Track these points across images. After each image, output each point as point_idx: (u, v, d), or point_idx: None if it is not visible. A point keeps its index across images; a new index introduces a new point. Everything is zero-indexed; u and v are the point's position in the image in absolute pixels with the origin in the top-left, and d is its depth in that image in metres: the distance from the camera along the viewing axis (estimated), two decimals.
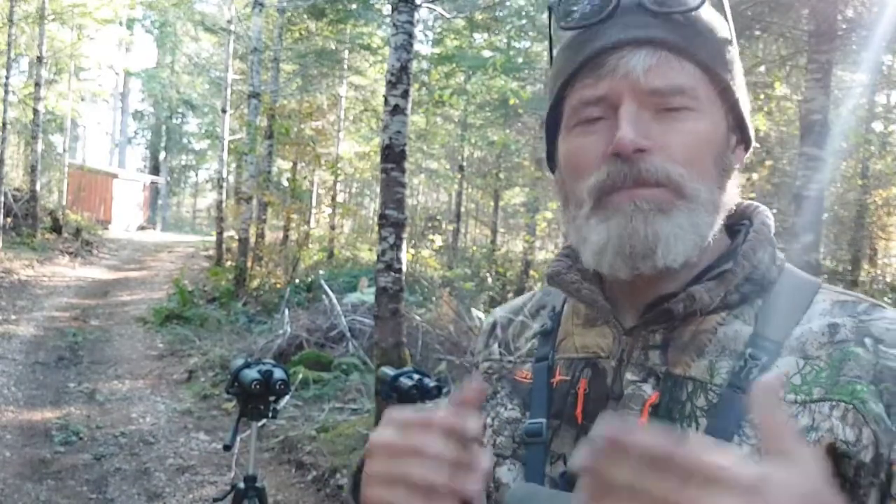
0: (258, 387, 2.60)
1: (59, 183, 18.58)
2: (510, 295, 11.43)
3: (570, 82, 0.71)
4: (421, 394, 2.34)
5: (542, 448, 0.73)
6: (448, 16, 9.82)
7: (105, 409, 5.94)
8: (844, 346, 0.66)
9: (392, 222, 4.97)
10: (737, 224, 0.76)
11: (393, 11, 5.08)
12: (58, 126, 19.97)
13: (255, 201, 12.14)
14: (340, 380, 6.38)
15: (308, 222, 13.83)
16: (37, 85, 14.25)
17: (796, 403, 0.64)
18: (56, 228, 15.67)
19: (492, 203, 16.92)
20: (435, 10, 7.13)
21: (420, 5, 5.34)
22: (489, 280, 12.28)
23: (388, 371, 2.54)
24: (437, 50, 14.69)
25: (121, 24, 22.99)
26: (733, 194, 0.73)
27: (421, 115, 15.58)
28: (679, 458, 0.41)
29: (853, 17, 5.63)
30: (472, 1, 11.16)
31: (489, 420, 0.80)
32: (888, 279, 10.82)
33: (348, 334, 7.32)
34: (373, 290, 5.83)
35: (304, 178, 14.59)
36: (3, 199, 12.79)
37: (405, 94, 5.02)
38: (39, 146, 14.64)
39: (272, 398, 2.69)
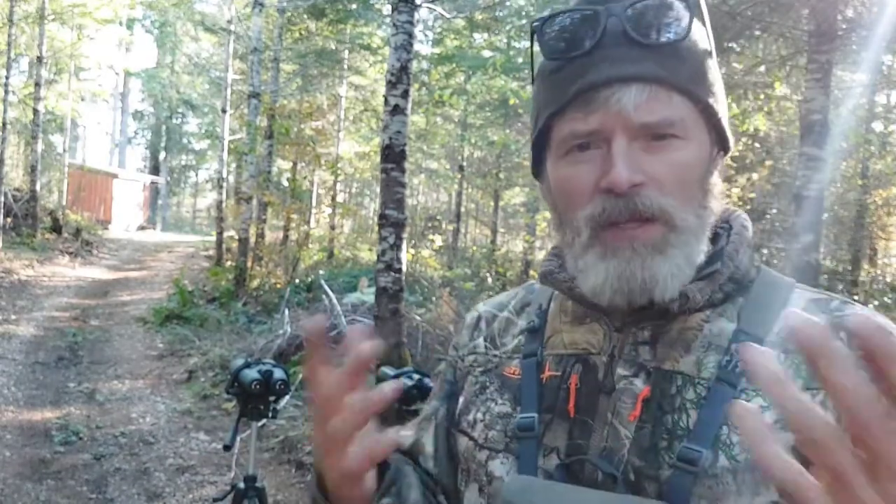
0: (258, 387, 2.60)
1: (59, 183, 18.58)
2: None
3: (558, 113, 0.72)
4: (421, 394, 2.34)
5: (534, 442, 0.75)
6: (448, 16, 9.82)
7: (105, 409, 5.94)
8: None
9: (392, 222, 4.97)
10: (717, 227, 0.78)
11: (393, 11, 5.09)
12: (58, 126, 19.97)
13: (255, 201, 12.14)
14: None
15: (308, 222, 13.83)
16: (37, 85, 14.24)
17: None
18: (56, 228, 15.67)
19: (492, 203, 16.93)
20: (435, 10, 7.13)
21: (420, 5, 5.34)
22: (489, 280, 12.28)
23: (388, 371, 2.54)
24: (437, 50, 14.69)
25: (121, 24, 23.00)
26: (716, 206, 0.75)
27: (421, 115, 15.59)
28: None
29: (853, 17, 5.63)
30: (472, 1, 11.16)
31: (480, 415, 0.82)
32: (888, 279, 10.82)
33: None
34: (373, 290, 5.83)
35: (304, 178, 14.59)
36: (3, 199, 12.79)
37: (405, 94, 5.02)
38: (39, 146, 14.64)
39: (272, 398, 2.69)
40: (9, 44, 12.92)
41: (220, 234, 14.25)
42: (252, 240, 11.79)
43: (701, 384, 0.70)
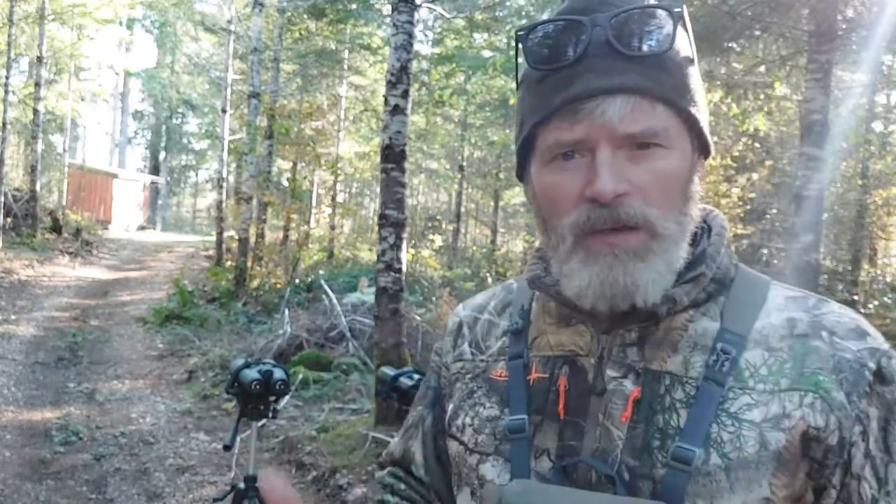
0: (258, 387, 2.60)
1: (59, 183, 18.58)
2: None
3: (543, 122, 0.73)
4: None
5: (525, 443, 0.76)
6: (448, 16, 9.83)
7: (105, 410, 5.94)
8: (805, 340, 0.72)
9: (392, 222, 4.97)
10: (696, 227, 0.79)
11: (393, 11, 5.09)
12: (58, 126, 19.97)
13: (255, 201, 12.14)
14: (340, 380, 6.38)
15: (308, 222, 13.83)
16: (37, 85, 14.25)
17: (765, 392, 0.70)
18: (56, 228, 15.67)
19: (492, 203, 16.95)
20: (435, 10, 7.14)
21: (420, 5, 5.34)
22: (489, 280, 12.28)
23: (388, 371, 2.53)
24: (437, 50, 14.69)
25: (121, 24, 23.01)
26: (695, 212, 0.76)
27: (421, 115, 15.59)
28: None
29: (853, 17, 5.62)
30: (472, 1, 11.16)
31: (468, 419, 0.82)
32: (888, 279, 10.81)
33: (348, 334, 7.32)
34: (373, 290, 5.83)
35: (304, 178, 14.59)
36: (3, 199, 12.79)
37: (405, 94, 5.02)
38: (39, 146, 14.64)
39: (272, 398, 2.69)
40: (9, 44, 12.93)
41: (220, 234, 14.25)
42: (252, 240, 11.79)
43: (689, 383, 0.71)
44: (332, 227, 16.48)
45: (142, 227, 24.65)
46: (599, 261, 0.70)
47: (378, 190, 6.22)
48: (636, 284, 0.70)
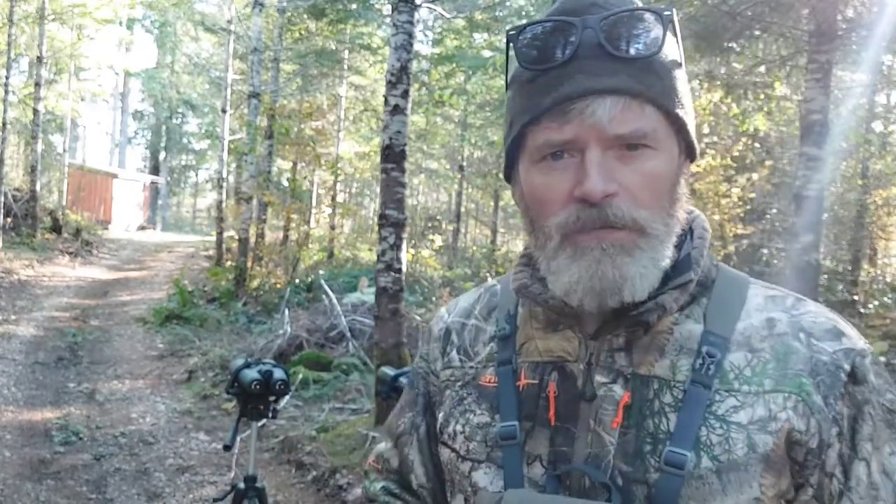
0: (258, 387, 2.60)
1: (59, 183, 18.58)
2: None
3: (533, 122, 0.73)
4: None
5: (517, 450, 0.76)
6: (448, 16, 9.82)
7: (105, 410, 5.94)
8: (785, 338, 0.74)
9: (392, 222, 4.97)
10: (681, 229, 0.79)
11: (393, 11, 5.09)
12: (58, 126, 19.97)
13: (255, 201, 12.14)
14: (340, 380, 6.38)
15: (308, 222, 13.83)
16: (37, 85, 14.25)
17: (750, 394, 0.71)
18: (56, 228, 15.67)
19: (492, 203, 16.94)
20: (435, 10, 7.14)
21: (420, 5, 5.34)
22: (489, 280, 12.27)
23: (388, 371, 2.53)
24: (437, 50, 14.68)
25: (121, 24, 23.01)
26: (681, 214, 0.77)
27: (421, 115, 15.59)
28: None
29: (853, 17, 5.62)
30: (472, 1, 11.16)
31: (459, 427, 0.82)
32: (888, 279, 10.81)
33: (348, 334, 7.32)
34: (373, 290, 5.83)
35: (304, 178, 14.58)
36: (3, 199, 12.79)
37: (405, 94, 5.02)
38: (39, 146, 14.64)
39: (272, 398, 2.69)
40: (9, 44, 12.92)
41: (220, 234, 14.25)
42: (252, 240, 11.79)
43: (677, 387, 0.72)
44: (332, 227, 16.48)
45: (142, 227, 24.65)
46: (587, 255, 0.71)
47: (378, 190, 6.22)
48: (624, 278, 0.70)
